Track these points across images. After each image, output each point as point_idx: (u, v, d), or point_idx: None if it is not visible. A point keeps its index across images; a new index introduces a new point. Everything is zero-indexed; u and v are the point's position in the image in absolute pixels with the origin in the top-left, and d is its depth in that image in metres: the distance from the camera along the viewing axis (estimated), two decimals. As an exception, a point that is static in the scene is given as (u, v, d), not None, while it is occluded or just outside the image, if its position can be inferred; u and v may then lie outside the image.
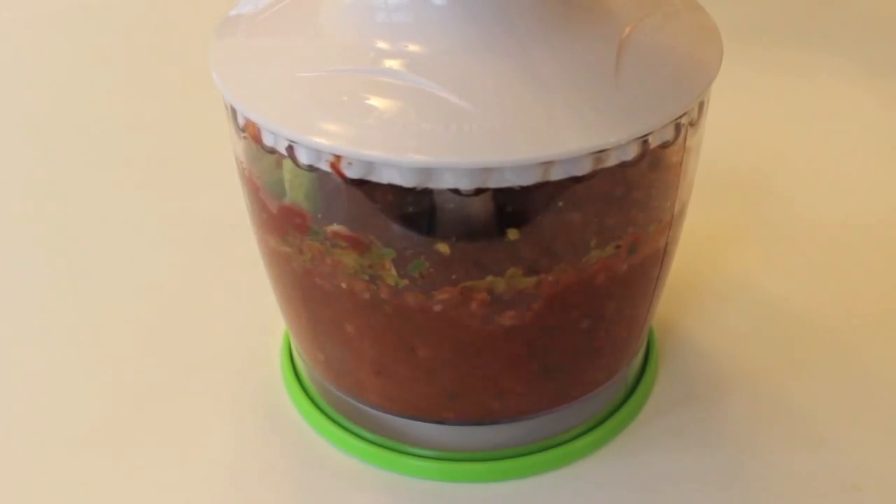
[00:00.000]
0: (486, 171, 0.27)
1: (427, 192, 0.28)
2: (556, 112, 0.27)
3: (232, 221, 0.40)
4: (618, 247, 0.30)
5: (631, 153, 0.28)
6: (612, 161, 0.27)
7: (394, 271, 0.29)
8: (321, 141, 0.27)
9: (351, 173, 0.27)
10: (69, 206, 0.48)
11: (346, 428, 0.36)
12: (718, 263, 0.43)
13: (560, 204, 0.29)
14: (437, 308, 0.30)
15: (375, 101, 0.27)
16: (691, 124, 0.30)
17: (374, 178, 0.27)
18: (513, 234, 0.29)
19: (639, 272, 0.32)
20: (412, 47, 0.28)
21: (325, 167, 0.27)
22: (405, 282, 0.30)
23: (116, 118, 0.55)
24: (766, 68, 0.57)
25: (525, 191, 0.27)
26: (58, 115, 0.55)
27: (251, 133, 0.29)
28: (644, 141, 0.28)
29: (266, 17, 0.31)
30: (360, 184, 0.27)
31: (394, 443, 0.35)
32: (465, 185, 0.27)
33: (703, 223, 0.39)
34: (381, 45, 0.28)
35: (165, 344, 0.40)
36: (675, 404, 0.37)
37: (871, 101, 0.54)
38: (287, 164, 0.29)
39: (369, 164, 0.27)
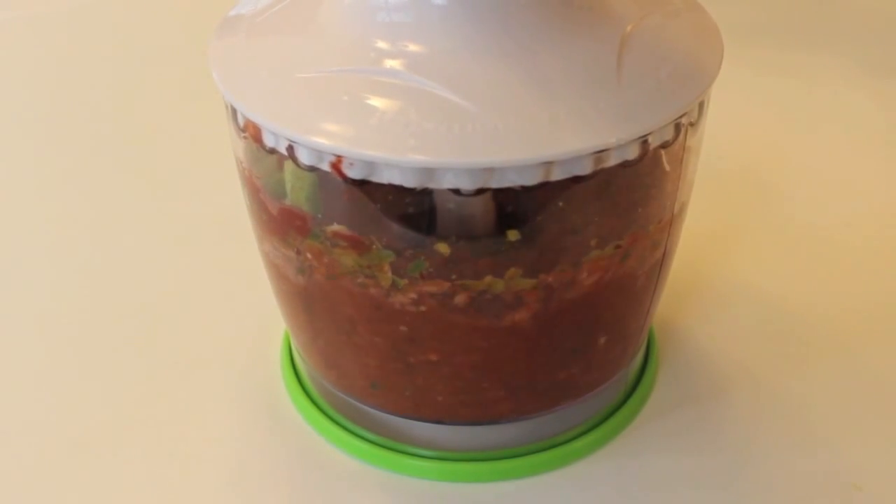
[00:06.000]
0: (488, 171, 0.27)
1: (427, 193, 0.28)
2: (557, 112, 0.27)
3: (232, 222, 0.40)
4: (618, 247, 0.30)
5: (631, 153, 0.28)
6: (612, 161, 0.27)
7: (393, 271, 0.29)
8: (322, 141, 0.27)
9: (352, 174, 0.27)
10: (69, 207, 0.48)
11: (346, 428, 0.36)
12: (718, 263, 0.43)
13: (560, 204, 0.29)
14: (437, 308, 0.30)
15: (376, 102, 0.27)
16: (691, 124, 0.30)
17: (376, 179, 0.27)
18: (513, 234, 0.29)
19: (639, 272, 0.32)
20: (413, 47, 0.28)
21: (327, 168, 0.27)
22: (404, 282, 0.30)
23: (116, 118, 0.55)
24: (766, 69, 0.57)
25: (525, 191, 0.27)
26: (57, 115, 0.55)
27: (251, 133, 0.29)
28: (644, 141, 0.28)
29: (266, 17, 0.31)
30: (361, 184, 0.27)
31: (394, 443, 0.35)
32: (467, 185, 0.27)
33: (703, 223, 0.39)
34: (382, 44, 0.28)
35: (166, 344, 0.40)
36: (675, 404, 0.37)
37: (870, 101, 0.54)
38: (288, 165, 0.29)
39: (371, 165, 0.27)
